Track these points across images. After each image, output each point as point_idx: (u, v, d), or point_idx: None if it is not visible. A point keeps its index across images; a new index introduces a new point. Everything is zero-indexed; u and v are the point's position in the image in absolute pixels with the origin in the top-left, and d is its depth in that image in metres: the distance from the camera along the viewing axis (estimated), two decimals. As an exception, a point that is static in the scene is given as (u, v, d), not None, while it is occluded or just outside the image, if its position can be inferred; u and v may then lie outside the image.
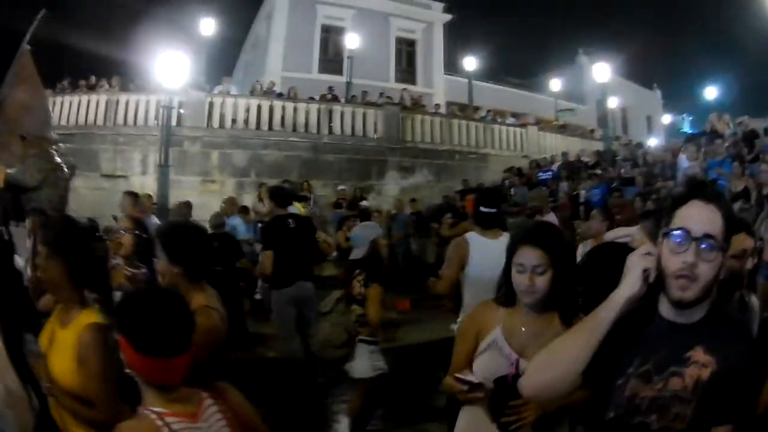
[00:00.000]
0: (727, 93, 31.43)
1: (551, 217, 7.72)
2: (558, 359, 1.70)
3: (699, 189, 1.66)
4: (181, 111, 16.12)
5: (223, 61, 25.51)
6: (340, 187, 15.94)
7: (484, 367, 2.42)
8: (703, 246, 1.56)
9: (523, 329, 2.39)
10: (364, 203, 13.97)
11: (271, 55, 24.34)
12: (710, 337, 1.61)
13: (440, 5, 27.79)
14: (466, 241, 4.33)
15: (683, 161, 12.47)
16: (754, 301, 2.72)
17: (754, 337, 2.16)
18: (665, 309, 1.67)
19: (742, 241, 2.63)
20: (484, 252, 4.18)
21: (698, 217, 1.60)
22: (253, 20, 27.98)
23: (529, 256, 2.34)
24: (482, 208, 4.45)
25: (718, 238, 1.59)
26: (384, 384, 4.84)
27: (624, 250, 2.16)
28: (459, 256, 4.28)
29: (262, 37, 25.61)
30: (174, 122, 15.01)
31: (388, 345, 4.88)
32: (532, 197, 8.89)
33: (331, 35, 25.22)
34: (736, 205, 9.02)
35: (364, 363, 4.74)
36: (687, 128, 29.13)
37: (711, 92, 31.89)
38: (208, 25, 21.61)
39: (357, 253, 5.43)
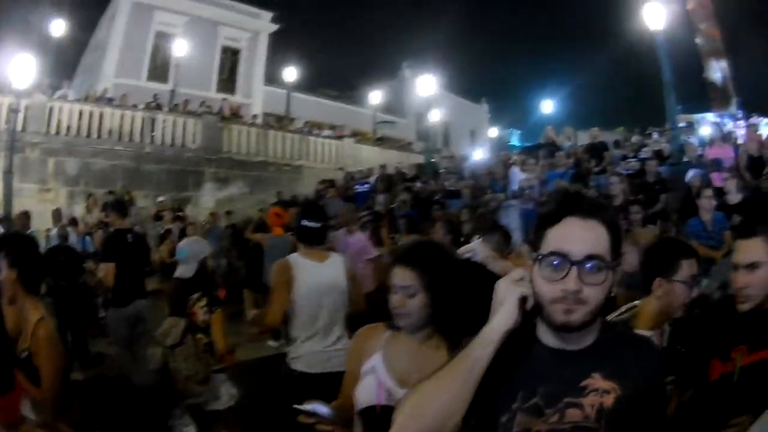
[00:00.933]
0: (568, 107, 32.14)
1: (358, 236, 7.39)
2: (430, 410, 1.39)
3: (573, 203, 1.43)
4: (25, 115, 15.66)
5: (69, 63, 24.76)
6: (160, 199, 15.82)
7: (363, 395, 2.21)
8: (588, 266, 1.36)
9: (406, 356, 2.18)
10: (179, 214, 13.70)
11: (107, 60, 23.61)
12: (608, 361, 1.45)
13: (268, 15, 27.99)
14: (290, 264, 3.83)
15: (516, 173, 12.09)
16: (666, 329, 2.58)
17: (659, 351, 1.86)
18: (547, 336, 1.47)
19: (692, 267, 2.54)
20: (312, 277, 3.79)
21: (576, 236, 1.38)
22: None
23: (398, 276, 2.17)
24: (305, 222, 3.96)
25: (605, 257, 1.38)
26: (240, 411, 4.64)
27: (472, 266, 2.17)
28: (285, 281, 3.77)
29: (102, 40, 24.66)
30: (19, 127, 14.64)
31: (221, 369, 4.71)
32: (341, 213, 8.41)
33: (162, 42, 24.58)
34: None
35: (219, 393, 4.55)
36: (515, 142, 29.88)
37: (547, 106, 32.20)
38: (58, 26, 20.64)
39: (184, 271, 5.48)
